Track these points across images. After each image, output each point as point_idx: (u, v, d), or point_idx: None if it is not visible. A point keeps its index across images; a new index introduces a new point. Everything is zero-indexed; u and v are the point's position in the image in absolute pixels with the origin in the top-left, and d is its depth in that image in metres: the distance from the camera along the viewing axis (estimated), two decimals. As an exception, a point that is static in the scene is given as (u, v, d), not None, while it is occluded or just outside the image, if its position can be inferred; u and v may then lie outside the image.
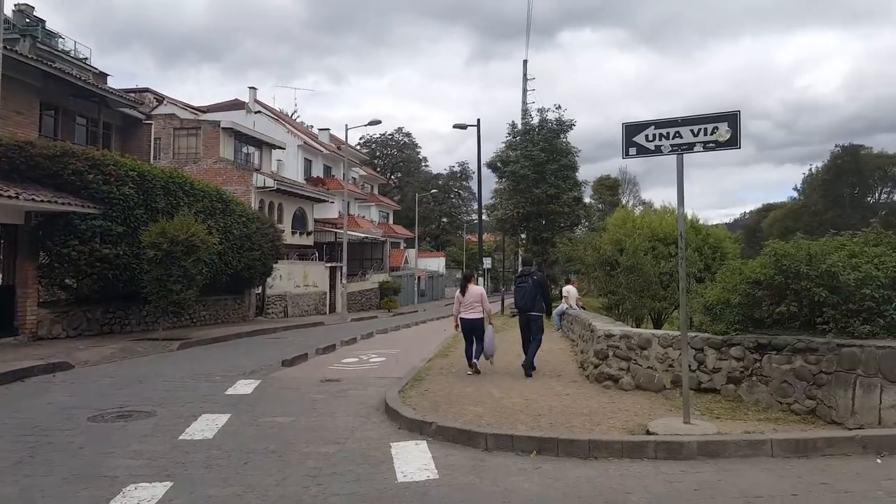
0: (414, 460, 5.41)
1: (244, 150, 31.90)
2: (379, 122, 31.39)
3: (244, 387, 9.34)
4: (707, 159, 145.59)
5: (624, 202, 54.68)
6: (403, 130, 74.48)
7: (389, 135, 72.89)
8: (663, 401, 7.37)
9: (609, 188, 55.70)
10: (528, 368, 9.65)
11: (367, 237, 43.33)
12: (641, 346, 8.06)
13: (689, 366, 7.45)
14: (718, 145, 6.19)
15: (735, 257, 14.74)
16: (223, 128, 29.71)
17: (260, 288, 26.32)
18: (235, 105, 38.91)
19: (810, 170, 66.37)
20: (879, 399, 5.93)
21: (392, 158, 74.39)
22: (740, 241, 24.89)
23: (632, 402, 7.35)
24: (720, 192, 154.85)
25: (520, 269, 11.04)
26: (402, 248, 56.59)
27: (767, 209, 74.34)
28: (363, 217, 47.81)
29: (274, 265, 25.23)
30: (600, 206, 50.08)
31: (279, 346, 15.53)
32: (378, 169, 67.80)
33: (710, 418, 6.38)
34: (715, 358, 7.43)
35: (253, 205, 27.36)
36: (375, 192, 56.01)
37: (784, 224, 56.36)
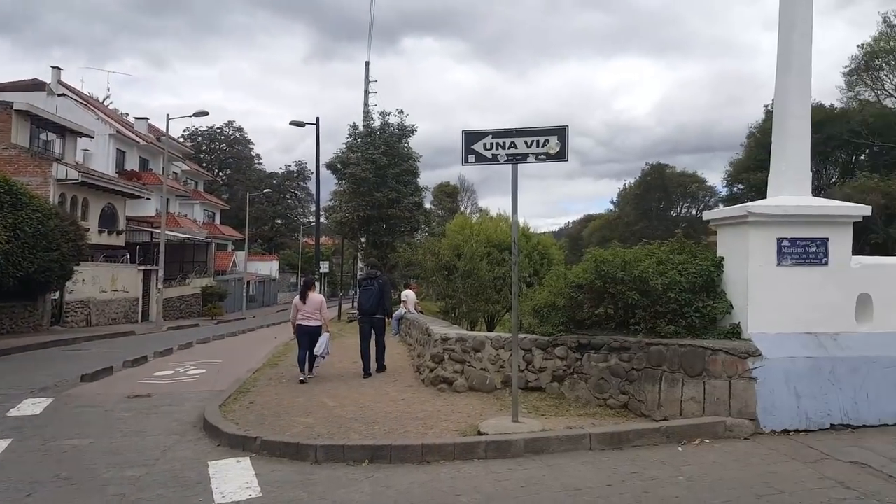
0: (234, 479, 5.06)
1: (43, 136, 28.10)
2: (206, 113, 29.43)
3: (32, 406, 8.20)
4: (537, 171, 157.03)
5: (462, 209, 56.76)
6: (235, 124, 70.45)
7: (218, 128, 68.68)
8: (494, 401, 7.68)
9: (449, 195, 57.52)
10: (380, 367, 10.37)
11: (189, 238, 40.40)
12: (475, 348, 8.36)
13: (519, 366, 7.87)
14: (549, 157, 6.59)
15: (560, 263, 15.94)
16: (17, 110, 25.88)
17: (58, 293, 23.40)
18: (35, 86, 34.15)
19: (625, 185, 74.00)
20: (681, 392, 6.69)
21: (221, 154, 70.15)
22: (565, 248, 26.96)
23: (465, 403, 7.56)
24: (548, 203, 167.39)
25: (365, 273, 11.40)
26: (230, 250, 53.57)
27: (588, 219, 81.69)
28: (185, 216, 44.53)
29: (75, 267, 22.52)
30: (440, 212, 51.43)
31: (79, 359, 13.89)
32: (204, 164, 63.56)
33: (536, 416, 6.76)
34: (541, 358, 7.92)
35: (52, 199, 24.21)
36: (200, 189, 52.47)
37: (602, 233, 62.26)
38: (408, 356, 12.34)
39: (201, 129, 66.21)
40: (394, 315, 15.90)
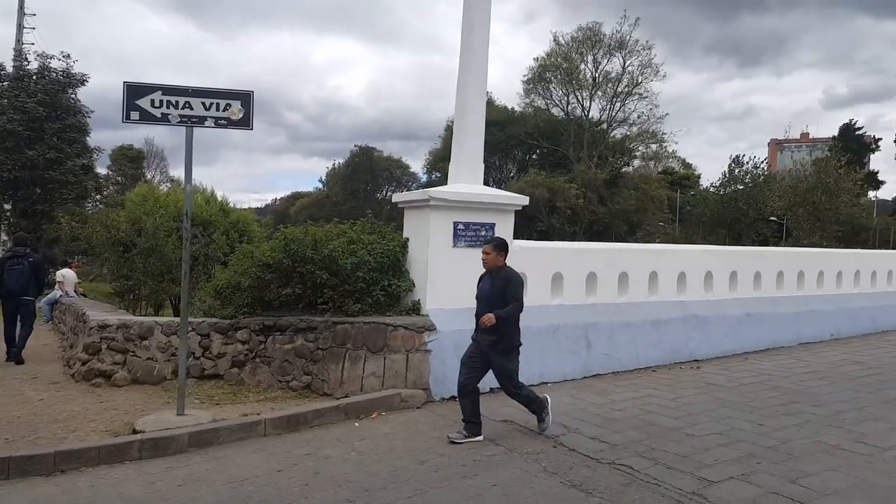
0: None
1: None
2: None
3: None
4: (242, 142, 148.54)
5: (150, 177, 51.29)
6: None
7: None
8: (162, 393, 7.03)
9: (132, 160, 51.24)
10: (17, 358, 9.18)
11: None
12: (142, 335, 7.54)
13: (194, 353, 7.39)
14: (231, 123, 6.22)
15: (263, 241, 15.41)
16: None
17: None
18: None
19: (334, 164, 75.19)
20: (363, 368, 6.97)
21: None
22: (271, 225, 26.31)
23: (125, 398, 6.77)
24: (253, 177, 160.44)
25: (12, 250, 9.70)
26: None
27: (296, 197, 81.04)
28: None
29: None
30: (120, 178, 45.82)
31: None
32: None
33: (209, 406, 6.38)
34: (221, 343, 7.52)
35: None
36: None
37: (309, 212, 62.38)
38: (60, 348, 10.65)
39: None
40: (45, 299, 13.67)
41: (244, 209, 25.31)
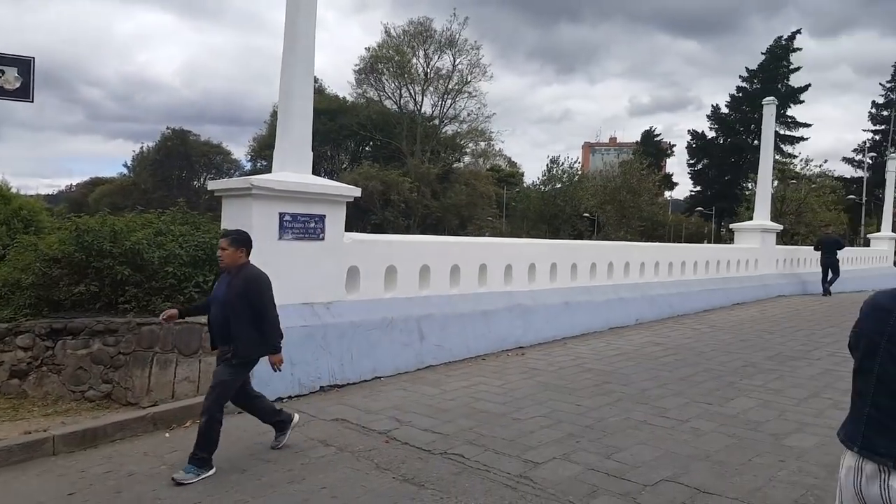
0: None
1: None
2: None
3: None
4: (28, 118, 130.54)
5: None
6: None
7: None
8: (-85, 415, 5.95)
9: None
10: None
11: None
12: None
13: (-39, 364, 6.33)
14: (5, 93, 5.46)
15: (54, 232, 13.77)
16: None
17: None
18: None
19: (142, 148, 69.15)
20: (174, 373, 6.41)
21: None
22: (64, 214, 23.52)
23: None
24: (43, 160, 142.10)
25: None
26: None
27: (96, 183, 73.28)
28: None
29: None
30: None
31: None
32: None
33: (-21, 426, 5.50)
34: (-4, 351, 6.53)
35: None
36: None
37: (112, 200, 56.72)
38: None
39: None
40: None
41: (31, 196, 22.35)
